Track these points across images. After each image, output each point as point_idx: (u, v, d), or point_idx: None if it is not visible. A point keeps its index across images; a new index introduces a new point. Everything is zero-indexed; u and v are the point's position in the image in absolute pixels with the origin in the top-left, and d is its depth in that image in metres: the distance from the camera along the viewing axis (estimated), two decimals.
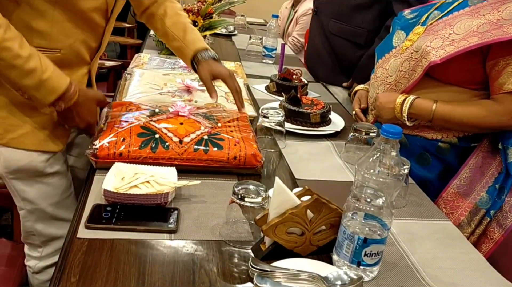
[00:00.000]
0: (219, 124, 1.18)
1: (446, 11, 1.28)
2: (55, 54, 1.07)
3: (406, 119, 1.27)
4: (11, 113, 1.07)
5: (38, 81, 0.97)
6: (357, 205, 0.78)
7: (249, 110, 1.44)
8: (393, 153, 0.76)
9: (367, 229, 0.78)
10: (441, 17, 1.28)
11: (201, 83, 1.56)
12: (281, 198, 0.79)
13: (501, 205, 1.18)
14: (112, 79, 2.94)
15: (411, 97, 1.26)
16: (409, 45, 1.31)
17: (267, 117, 1.27)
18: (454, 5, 1.28)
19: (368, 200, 0.76)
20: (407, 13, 1.45)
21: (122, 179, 0.95)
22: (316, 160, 1.26)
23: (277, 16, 2.46)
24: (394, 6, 1.77)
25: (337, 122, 1.51)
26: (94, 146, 1.03)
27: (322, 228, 0.83)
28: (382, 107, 1.32)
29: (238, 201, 0.86)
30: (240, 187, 0.87)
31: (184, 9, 2.14)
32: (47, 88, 1.00)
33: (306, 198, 0.82)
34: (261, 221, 0.80)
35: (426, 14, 1.34)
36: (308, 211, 0.80)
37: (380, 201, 0.75)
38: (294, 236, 0.81)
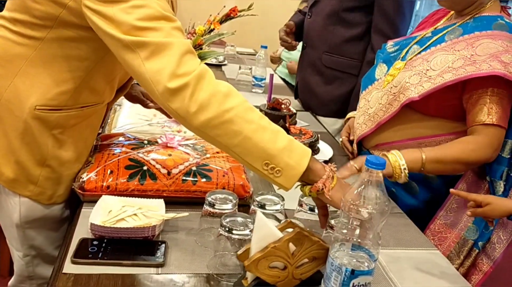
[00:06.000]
0: (208, 155, 1.19)
1: (424, 46, 1.30)
2: (100, 106, 1.10)
3: (404, 176, 1.12)
4: (58, 173, 1.04)
5: (288, 140, 0.85)
6: (344, 236, 0.78)
7: None
8: (378, 184, 0.77)
9: (354, 260, 0.78)
10: (419, 52, 1.30)
11: None
12: (262, 232, 0.78)
13: (489, 236, 1.18)
14: None
15: (394, 152, 1.14)
16: (390, 80, 1.33)
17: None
18: (432, 40, 1.30)
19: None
20: (389, 45, 1.48)
21: (110, 212, 0.95)
22: None
23: (266, 47, 2.50)
24: (373, 38, 1.83)
25: (325, 151, 1.52)
26: (81, 179, 1.03)
27: (304, 261, 0.82)
28: None
29: (225, 233, 0.86)
30: (227, 220, 0.87)
31: None
32: (298, 148, 0.85)
33: (290, 230, 0.81)
34: (243, 256, 0.80)
35: (406, 48, 1.37)
36: (290, 244, 0.79)
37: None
38: (276, 270, 0.80)
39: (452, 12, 1.35)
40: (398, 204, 1.30)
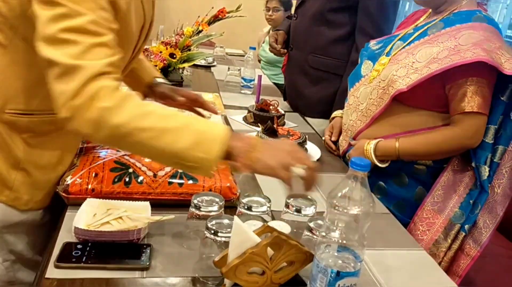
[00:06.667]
0: None
1: (408, 41, 1.36)
2: None
3: (378, 162, 1.34)
4: (34, 178, 1.02)
5: (197, 133, 0.81)
6: (329, 238, 0.78)
7: None
8: (363, 185, 0.77)
9: (340, 261, 0.78)
10: (403, 47, 1.35)
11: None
12: (240, 238, 0.77)
13: (475, 219, 1.24)
14: None
15: (373, 141, 1.34)
16: (376, 75, 1.38)
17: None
18: (415, 35, 1.35)
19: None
20: (372, 44, 1.53)
21: (94, 215, 0.94)
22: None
23: (254, 48, 2.50)
24: (358, 38, 1.84)
25: (313, 152, 1.52)
26: (65, 182, 1.02)
27: (283, 265, 0.81)
28: None
29: (211, 236, 0.85)
30: (213, 222, 0.87)
31: (162, 42, 2.17)
32: (209, 137, 0.81)
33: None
34: (220, 263, 0.79)
35: (390, 45, 1.41)
36: (269, 248, 0.78)
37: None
38: (255, 276, 0.80)
39: (430, 10, 1.41)
40: (388, 196, 1.36)
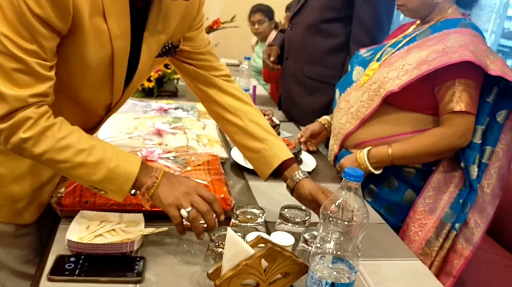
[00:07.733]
0: (189, 168, 1.18)
1: (398, 47, 1.40)
2: None
3: (373, 169, 1.36)
4: (9, 188, 1.01)
5: (107, 171, 0.87)
6: (323, 249, 0.78)
7: (221, 152, 1.44)
8: (357, 196, 0.77)
9: (334, 273, 0.78)
10: (393, 53, 1.39)
11: (172, 126, 1.56)
12: (234, 249, 0.77)
13: (465, 218, 1.27)
14: None
15: (365, 149, 1.36)
16: (367, 79, 1.41)
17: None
18: (404, 41, 1.40)
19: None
20: (363, 52, 1.57)
21: (87, 228, 0.94)
22: (288, 202, 1.25)
23: (249, 58, 2.51)
24: (352, 48, 1.85)
25: (308, 162, 1.52)
26: (59, 194, 1.01)
27: (277, 277, 0.81)
28: None
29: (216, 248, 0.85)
30: (217, 234, 0.87)
31: None
32: (121, 174, 0.88)
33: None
34: (214, 275, 0.78)
35: (380, 52, 1.45)
36: (263, 260, 0.78)
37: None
38: None
39: (418, 21, 1.45)
40: (378, 199, 1.38)
